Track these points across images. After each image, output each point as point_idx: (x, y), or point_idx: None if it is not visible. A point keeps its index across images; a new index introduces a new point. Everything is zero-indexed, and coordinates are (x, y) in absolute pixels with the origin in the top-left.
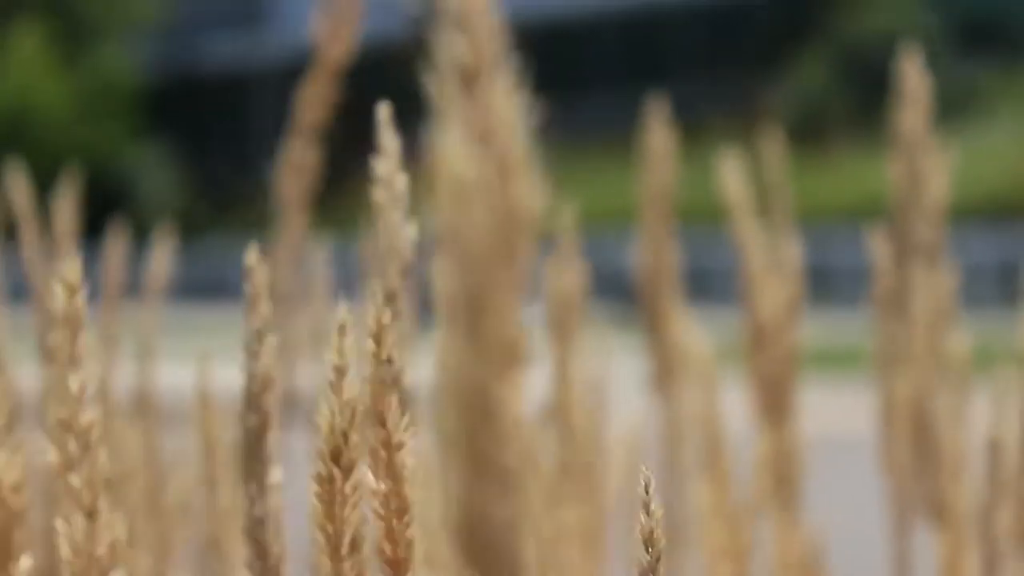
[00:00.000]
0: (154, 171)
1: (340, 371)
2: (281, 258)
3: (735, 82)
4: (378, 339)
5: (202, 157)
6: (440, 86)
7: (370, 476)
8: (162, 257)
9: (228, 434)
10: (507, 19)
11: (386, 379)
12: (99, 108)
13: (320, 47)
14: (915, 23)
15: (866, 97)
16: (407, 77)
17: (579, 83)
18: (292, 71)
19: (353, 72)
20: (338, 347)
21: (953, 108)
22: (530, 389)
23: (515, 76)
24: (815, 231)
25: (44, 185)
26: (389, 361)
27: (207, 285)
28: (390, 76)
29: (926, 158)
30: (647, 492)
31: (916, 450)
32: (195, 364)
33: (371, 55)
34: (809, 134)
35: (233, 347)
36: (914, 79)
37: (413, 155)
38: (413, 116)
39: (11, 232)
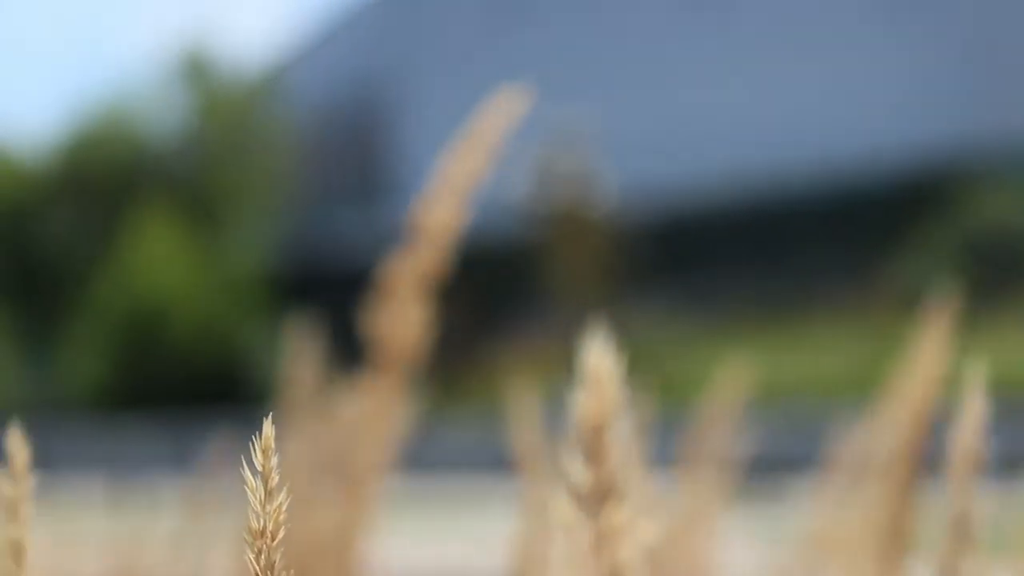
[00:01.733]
0: (280, 352)
1: None
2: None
3: (855, 263)
4: None
5: (331, 335)
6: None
7: None
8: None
9: None
10: (641, 204)
11: None
12: (228, 292)
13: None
14: None
15: (987, 279)
16: (522, 270)
17: (708, 265)
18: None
19: (470, 266)
20: None
21: None
22: None
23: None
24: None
25: (176, 367)
26: None
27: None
28: (505, 269)
29: None
30: None
31: None
32: None
33: (485, 250)
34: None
35: None
36: None
37: (531, 341)
38: (529, 307)
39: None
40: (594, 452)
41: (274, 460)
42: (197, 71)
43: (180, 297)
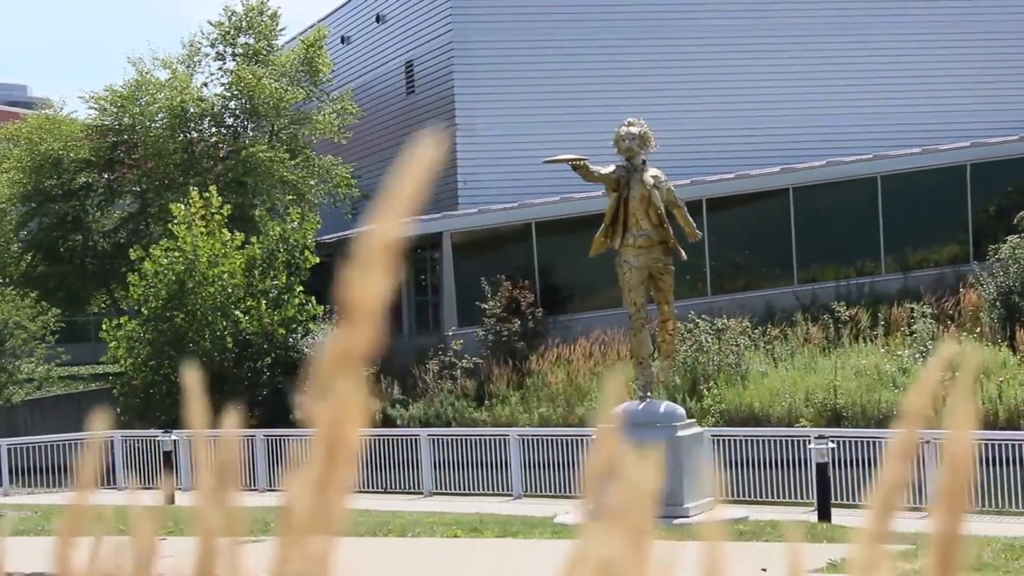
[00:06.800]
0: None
1: None
2: None
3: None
4: None
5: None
6: None
7: None
8: None
9: None
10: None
11: None
12: (276, 278)
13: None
14: None
15: None
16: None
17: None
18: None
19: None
20: None
21: None
22: None
23: None
24: None
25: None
26: None
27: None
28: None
29: None
30: None
31: None
32: None
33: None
34: None
35: None
36: None
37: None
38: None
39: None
40: None
41: None
42: (251, 47)
43: (225, 282)
